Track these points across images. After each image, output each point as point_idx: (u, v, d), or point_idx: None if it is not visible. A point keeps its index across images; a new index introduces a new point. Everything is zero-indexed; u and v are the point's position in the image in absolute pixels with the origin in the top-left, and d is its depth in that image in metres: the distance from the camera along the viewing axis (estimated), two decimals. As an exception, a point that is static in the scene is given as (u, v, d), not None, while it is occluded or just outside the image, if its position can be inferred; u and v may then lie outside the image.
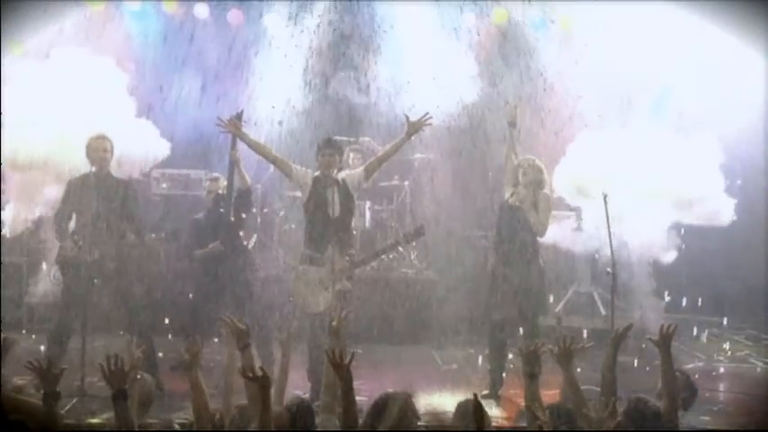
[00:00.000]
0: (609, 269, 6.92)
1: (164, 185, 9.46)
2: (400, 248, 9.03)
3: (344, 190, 6.86)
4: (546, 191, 7.17)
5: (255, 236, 9.74)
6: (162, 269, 9.08)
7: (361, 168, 7.06)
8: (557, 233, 8.08)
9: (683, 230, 8.52)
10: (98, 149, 6.98)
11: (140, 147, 7.90)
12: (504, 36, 10.02)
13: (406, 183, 10.14)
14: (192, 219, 7.96)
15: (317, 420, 4.63)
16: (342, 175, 6.95)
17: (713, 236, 9.15)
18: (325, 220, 6.73)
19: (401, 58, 9.88)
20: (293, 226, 9.43)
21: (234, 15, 10.48)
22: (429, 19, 9.85)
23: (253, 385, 4.16)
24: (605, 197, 6.91)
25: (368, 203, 9.76)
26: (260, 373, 4.09)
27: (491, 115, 9.01)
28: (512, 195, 7.21)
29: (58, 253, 7.06)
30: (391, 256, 9.78)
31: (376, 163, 6.96)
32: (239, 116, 6.92)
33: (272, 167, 9.66)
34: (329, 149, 6.80)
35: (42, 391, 4.20)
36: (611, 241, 6.86)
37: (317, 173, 6.88)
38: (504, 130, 7.45)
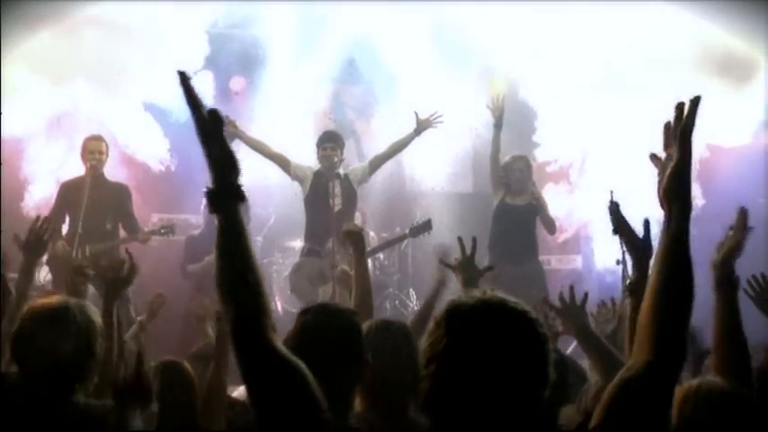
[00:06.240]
0: (618, 259, 6.64)
1: (162, 230, 9.19)
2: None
3: (347, 184, 6.74)
4: (538, 188, 7.12)
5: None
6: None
7: (366, 162, 6.95)
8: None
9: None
10: (93, 151, 6.89)
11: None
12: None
13: (407, 232, 9.94)
14: (188, 236, 7.74)
15: None
16: (344, 169, 6.84)
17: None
18: (327, 213, 6.57)
19: (400, 122, 9.93)
20: (292, 273, 9.13)
21: (236, 82, 10.66)
22: (428, 88, 10.01)
23: None
24: (611, 192, 6.74)
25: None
26: None
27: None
28: (504, 197, 7.03)
29: (49, 254, 6.81)
30: (392, 305, 9.48)
31: (381, 158, 6.90)
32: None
33: (272, 219, 9.68)
34: (330, 143, 6.71)
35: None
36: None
37: (317, 167, 6.76)
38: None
